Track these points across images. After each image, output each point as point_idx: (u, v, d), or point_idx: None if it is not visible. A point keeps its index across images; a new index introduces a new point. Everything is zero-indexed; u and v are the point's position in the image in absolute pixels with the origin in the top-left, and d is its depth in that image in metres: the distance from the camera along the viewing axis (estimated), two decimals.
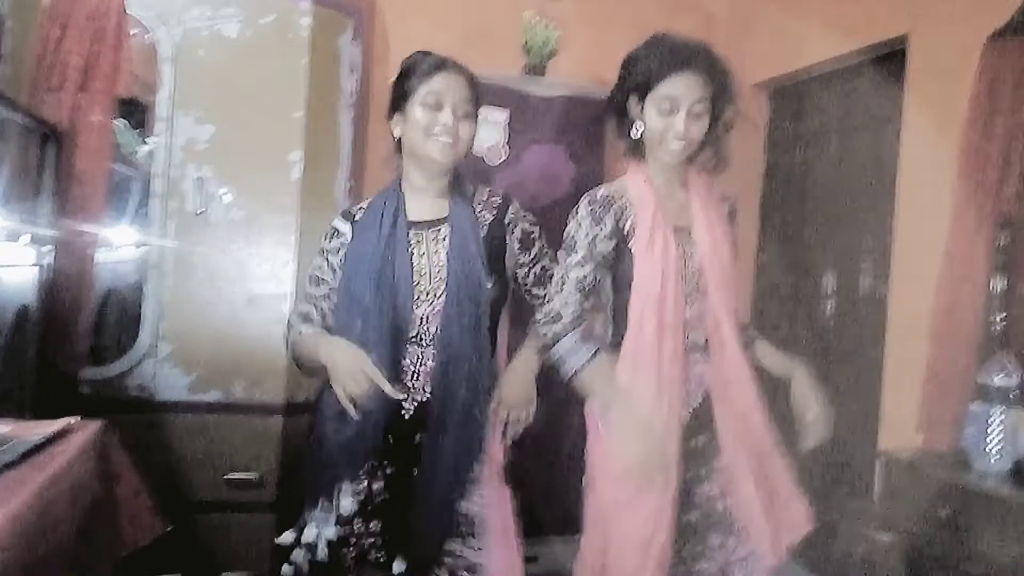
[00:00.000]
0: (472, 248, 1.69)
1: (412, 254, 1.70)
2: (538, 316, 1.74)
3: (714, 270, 1.72)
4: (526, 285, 1.85)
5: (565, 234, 1.73)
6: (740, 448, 1.72)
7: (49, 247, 2.46)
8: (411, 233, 1.72)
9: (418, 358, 1.68)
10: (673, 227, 1.72)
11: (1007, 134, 2.34)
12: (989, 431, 2.21)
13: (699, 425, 1.74)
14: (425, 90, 1.67)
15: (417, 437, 1.68)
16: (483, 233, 1.74)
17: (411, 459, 1.67)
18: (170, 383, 2.66)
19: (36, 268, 2.41)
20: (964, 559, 2.11)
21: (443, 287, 1.67)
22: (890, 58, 2.98)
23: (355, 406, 1.58)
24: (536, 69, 3.29)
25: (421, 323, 1.68)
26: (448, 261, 1.68)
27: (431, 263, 1.69)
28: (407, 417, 1.68)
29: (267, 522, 2.65)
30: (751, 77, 3.74)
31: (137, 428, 2.53)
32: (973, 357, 2.38)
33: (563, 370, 1.69)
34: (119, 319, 2.83)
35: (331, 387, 1.62)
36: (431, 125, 1.67)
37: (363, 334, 1.64)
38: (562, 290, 1.70)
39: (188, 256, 2.68)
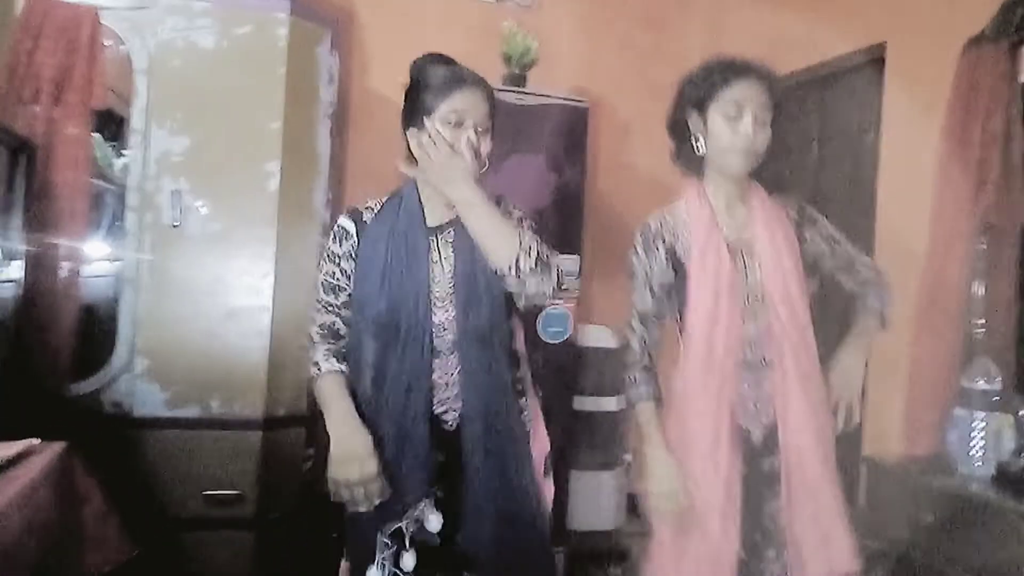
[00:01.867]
0: (477, 252, 1.64)
1: (428, 254, 1.67)
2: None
3: (777, 285, 1.71)
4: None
5: (628, 265, 1.79)
6: (797, 469, 1.69)
7: (22, 262, 2.42)
8: (428, 235, 1.68)
9: (444, 368, 1.64)
10: (732, 243, 1.73)
11: (984, 140, 2.35)
12: (972, 436, 2.21)
13: (769, 446, 1.71)
14: (447, 108, 1.62)
15: (462, 451, 1.63)
16: None
17: (460, 474, 1.63)
18: (147, 399, 2.62)
19: (9, 284, 2.36)
20: (949, 564, 2.10)
21: (452, 294, 1.65)
22: (869, 66, 3.00)
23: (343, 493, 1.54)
24: (516, 79, 3.28)
25: (439, 331, 1.64)
26: (455, 263, 1.66)
27: (443, 268, 1.67)
28: (450, 429, 1.64)
29: (247, 539, 2.62)
30: None
31: (113, 445, 2.49)
32: (955, 362, 2.39)
33: (628, 398, 1.77)
34: (94, 334, 2.78)
35: None
36: (454, 144, 1.62)
37: (383, 344, 1.62)
38: (630, 322, 1.77)
39: (164, 270, 2.65)
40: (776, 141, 1.75)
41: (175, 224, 2.65)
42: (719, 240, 1.71)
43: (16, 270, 2.40)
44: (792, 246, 1.76)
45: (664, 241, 1.75)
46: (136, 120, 2.67)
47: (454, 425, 1.64)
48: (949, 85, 2.45)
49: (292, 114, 2.77)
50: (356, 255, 1.68)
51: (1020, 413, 2.21)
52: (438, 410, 1.64)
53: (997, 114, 2.34)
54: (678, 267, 1.75)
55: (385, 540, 1.58)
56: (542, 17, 3.68)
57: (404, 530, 1.58)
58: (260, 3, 2.78)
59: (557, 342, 3.14)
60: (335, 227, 1.73)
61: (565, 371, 3.18)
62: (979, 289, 2.42)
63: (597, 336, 3.31)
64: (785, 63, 3.37)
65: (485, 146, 1.68)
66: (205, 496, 2.60)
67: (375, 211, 1.73)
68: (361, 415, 1.62)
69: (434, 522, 1.59)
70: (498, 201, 1.77)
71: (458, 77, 1.66)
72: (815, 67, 3.24)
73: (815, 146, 3.40)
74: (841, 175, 3.23)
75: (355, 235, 1.69)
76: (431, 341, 1.62)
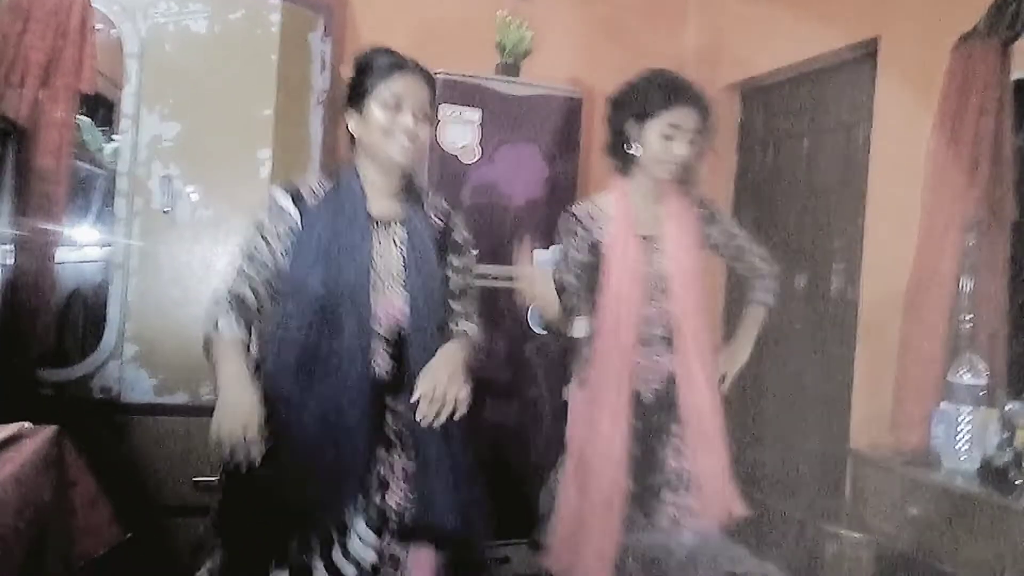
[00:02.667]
0: (428, 247, 1.72)
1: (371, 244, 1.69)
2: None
3: (678, 274, 2.02)
4: (448, 293, 1.82)
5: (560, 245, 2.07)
6: (693, 425, 2.04)
7: (9, 246, 2.40)
8: (371, 225, 1.70)
9: (381, 357, 1.67)
10: (643, 236, 2.03)
11: (975, 136, 2.36)
12: (958, 430, 2.22)
13: (659, 405, 2.06)
14: (385, 90, 1.65)
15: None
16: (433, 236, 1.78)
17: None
18: (136, 385, 2.61)
19: None
20: (933, 557, 2.12)
21: (392, 284, 1.68)
22: (861, 60, 3.00)
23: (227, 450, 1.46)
24: (510, 69, 3.28)
25: (376, 321, 1.66)
26: (407, 259, 1.69)
27: (383, 259, 1.69)
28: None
29: None
30: (723, 78, 3.75)
31: (102, 431, 2.48)
32: (942, 357, 2.40)
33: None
34: (83, 320, 2.77)
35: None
36: (390, 126, 1.65)
37: (321, 328, 1.61)
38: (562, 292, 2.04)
39: (154, 256, 2.63)
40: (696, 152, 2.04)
41: (166, 210, 2.63)
42: (632, 234, 2.01)
43: (5, 255, 2.38)
44: (696, 240, 2.08)
45: (585, 228, 2.04)
46: (127, 105, 2.65)
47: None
48: (941, 81, 2.45)
49: (285, 101, 2.75)
50: (294, 238, 1.66)
51: (1006, 408, 2.22)
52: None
53: (989, 111, 2.35)
54: (595, 253, 2.03)
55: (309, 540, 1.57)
56: (536, 7, 3.67)
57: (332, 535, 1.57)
58: None
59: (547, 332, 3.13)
60: (272, 202, 1.70)
61: (555, 363, 3.18)
62: (967, 284, 2.44)
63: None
64: (778, 56, 3.38)
65: (424, 132, 1.70)
66: (195, 483, 2.59)
67: (316, 195, 1.71)
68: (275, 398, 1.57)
69: (359, 539, 1.58)
70: (450, 213, 1.85)
71: (397, 61, 1.68)
72: (807, 61, 3.24)
73: (806, 140, 3.40)
74: (832, 169, 3.24)
75: (294, 217, 1.67)
76: (370, 330, 1.63)
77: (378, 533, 1.63)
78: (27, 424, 1.56)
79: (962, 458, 2.22)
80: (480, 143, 3.07)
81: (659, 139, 1.97)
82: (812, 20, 3.13)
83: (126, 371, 2.60)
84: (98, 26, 2.64)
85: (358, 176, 1.72)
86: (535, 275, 2.06)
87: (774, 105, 3.63)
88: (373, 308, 1.64)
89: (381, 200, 1.72)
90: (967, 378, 2.24)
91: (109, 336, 2.60)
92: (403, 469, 1.67)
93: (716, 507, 2.03)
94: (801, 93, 3.44)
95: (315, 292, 1.61)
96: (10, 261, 2.41)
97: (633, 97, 2.01)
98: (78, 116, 2.68)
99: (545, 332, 1.99)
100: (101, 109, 3.05)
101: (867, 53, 2.94)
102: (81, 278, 2.83)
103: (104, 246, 2.81)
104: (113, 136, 2.93)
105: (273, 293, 1.67)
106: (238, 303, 1.64)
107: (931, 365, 2.41)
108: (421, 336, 1.67)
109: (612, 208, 2.05)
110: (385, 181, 1.73)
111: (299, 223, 1.66)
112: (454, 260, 1.82)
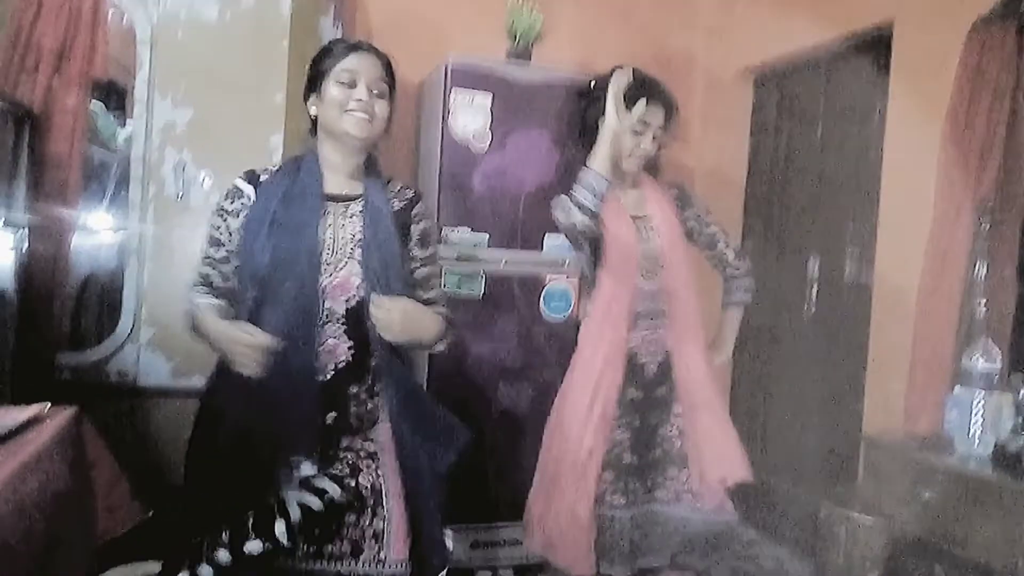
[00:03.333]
0: (386, 223, 1.74)
1: (323, 221, 1.72)
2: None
3: (670, 250, 2.13)
4: (413, 282, 1.84)
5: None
6: (691, 399, 2.12)
7: (24, 231, 2.42)
8: (324, 200, 1.74)
9: (331, 332, 1.69)
10: (632, 216, 2.15)
11: (989, 121, 2.35)
12: (972, 415, 2.22)
13: (661, 378, 2.14)
14: (339, 68, 1.72)
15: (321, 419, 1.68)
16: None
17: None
18: (152, 369, 2.63)
19: (12, 252, 2.36)
20: (946, 541, 2.13)
21: (347, 261, 1.70)
22: (875, 45, 2.98)
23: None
24: (521, 54, 3.27)
25: (321, 294, 1.68)
26: (364, 234, 1.72)
27: (337, 236, 1.72)
28: (327, 379, 1.67)
29: None
30: (736, 63, 3.74)
31: (118, 414, 2.51)
32: (956, 342, 2.40)
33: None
34: (99, 304, 2.79)
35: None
36: (346, 101, 1.71)
37: (268, 302, 1.64)
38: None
39: (168, 241, 2.64)
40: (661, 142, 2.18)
41: (179, 195, 2.64)
42: (625, 214, 2.13)
43: (19, 240, 2.40)
44: (677, 220, 2.20)
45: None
46: (139, 91, 2.66)
47: (327, 379, 1.67)
48: (955, 66, 2.43)
49: (296, 86, 2.75)
50: (248, 214, 1.71)
51: (1020, 393, 2.22)
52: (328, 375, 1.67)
53: (1003, 96, 2.34)
54: (595, 229, 2.09)
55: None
56: None
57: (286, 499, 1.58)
58: None
59: (559, 318, 3.14)
60: (231, 186, 1.77)
61: (568, 348, 3.19)
62: (981, 269, 2.43)
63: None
64: (791, 40, 3.36)
65: (382, 108, 1.75)
66: None
67: (272, 173, 1.78)
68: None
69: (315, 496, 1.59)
70: (417, 198, 1.87)
71: (352, 44, 1.77)
72: (820, 46, 3.22)
73: (819, 125, 3.39)
74: (846, 154, 3.23)
75: (250, 195, 1.74)
76: (319, 304, 1.66)
77: (363, 512, 1.67)
78: (47, 405, 1.58)
79: (976, 443, 2.22)
80: (491, 128, 3.06)
81: (629, 134, 2.09)
82: (826, 4, 3.11)
83: (142, 355, 2.62)
84: (110, 12, 2.64)
85: (316, 157, 1.78)
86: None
87: (787, 90, 3.61)
88: (325, 282, 1.67)
89: (339, 179, 1.77)
90: (981, 363, 2.23)
91: (125, 320, 2.62)
92: (369, 453, 1.72)
93: (717, 473, 2.08)
94: (814, 78, 3.41)
95: (262, 263, 1.65)
96: (25, 246, 2.42)
97: (604, 94, 2.07)
98: (91, 102, 2.69)
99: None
100: (114, 95, 3.06)
101: (881, 37, 2.92)
102: (96, 263, 2.85)
103: (118, 231, 2.82)
104: (126, 122, 2.94)
105: (233, 271, 1.74)
106: (206, 284, 1.74)
107: (945, 350, 2.41)
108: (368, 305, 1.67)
109: None
110: (344, 160, 1.77)
111: (252, 199, 1.73)
112: (418, 251, 1.85)
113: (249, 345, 1.52)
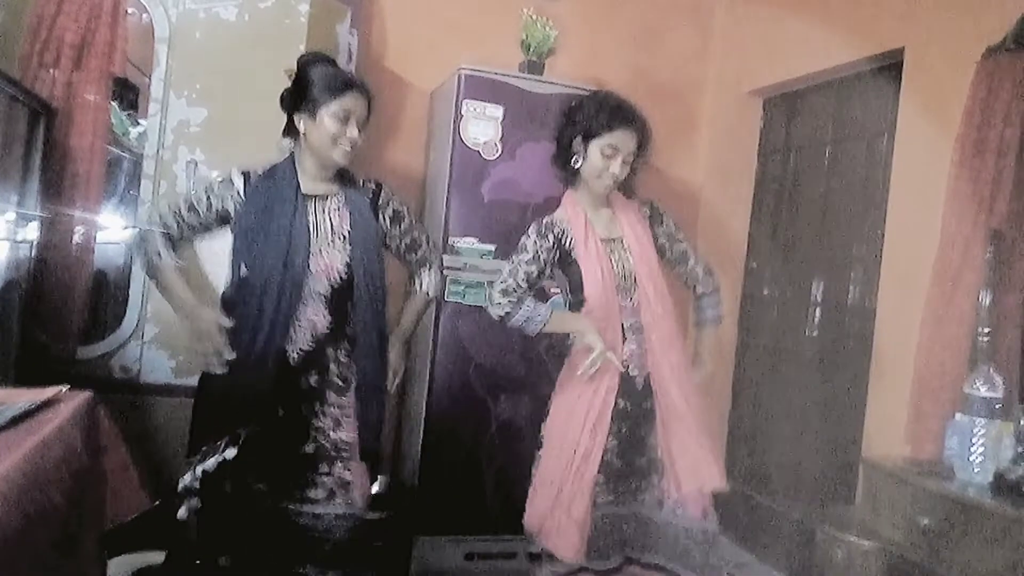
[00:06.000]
0: (366, 214, 2.05)
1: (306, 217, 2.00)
2: (490, 295, 2.18)
3: (643, 269, 2.19)
4: (400, 252, 2.19)
5: (519, 243, 2.20)
6: (667, 410, 2.16)
7: (36, 223, 2.43)
8: (304, 200, 2.01)
9: (311, 313, 1.97)
10: (603, 238, 2.20)
11: (998, 149, 2.36)
12: (973, 442, 2.22)
13: (648, 391, 2.19)
14: (337, 106, 1.95)
15: (304, 382, 1.98)
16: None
17: (299, 401, 1.97)
18: (155, 366, 2.64)
19: (24, 245, 2.38)
20: (944, 567, 2.12)
21: (331, 248, 1.98)
22: (885, 70, 3.00)
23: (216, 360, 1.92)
24: (534, 66, 3.29)
25: (307, 275, 1.96)
26: (351, 221, 2.01)
27: (319, 227, 2.00)
28: (292, 364, 1.96)
29: None
30: (745, 85, 3.76)
31: (121, 409, 2.50)
32: (959, 369, 2.40)
33: (531, 328, 2.16)
34: (106, 300, 2.80)
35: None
36: (339, 136, 1.96)
37: (263, 285, 1.91)
38: (512, 278, 2.15)
39: None
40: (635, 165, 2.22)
41: (224, 176, 2.66)
42: (594, 236, 2.19)
43: (32, 232, 2.41)
44: (649, 238, 2.25)
45: (554, 233, 2.18)
46: (155, 89, 2.68)
47: (293, 363, 1.96)
48: (965, 93, 2.45)
49: None
50: (237, 208, 1.99)
51: (1021, 422, 2.22)
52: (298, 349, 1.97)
53: (1013, 123, 2.35)
54: (565, 255, 2.19)
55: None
56: (562, 6, 3.69)
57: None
58: None
59: None
60: (226, 175, 2.04)
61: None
62: (986, 297, 2.44)
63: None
64: (801, 64, 3.38)
65: (361, 138, 2.02)
66: None
67: (259, 176, 2.03)
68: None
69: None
70: (380, 188, 2.13)
71: (347, 81, 2.00)
72: (831, 70, 3.24)
73: (828, 149, 3.40)
74: (853, 179, 3.24)
75: (239, 189, 2.01)
76: (306, 283, 1.95)
77: (338, 462, 1.98)
78: (65, 387, 1.64)
79: (976, 470, 2.22)
80: (502, 139, 3.09)
81: (600, 157, 2.15)
82: (837, 29, 3.14)
83: (145, 351, 2.64)
84: (129, 10, 2.67)
85: (294, 162, 2.04)
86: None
87: (796, 113, 3.64)
88: (311, 268, 1.96)
89: (315, 182, 2.04)
90: (983, 390, 2.24)
91: (131, 317, 2.64)
92: (350, 408, 2.01)
93: (693, 482, 2.12)
94: (824, 102, 3.44)
95: (254, 253, 1.93)
96: (35, 237, 2.44)
97: (582, 116, 2.18)
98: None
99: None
100: (128, 93, 3.09)
101: (892, 64, 2.94)
102: (104, 259, 2.86)
103: (128, 228, 2.84)
104: (138, 120, 2.96)
105: (191, 236, 2.03)
106: (167, 235, 1.99)
107: (947, 376, 2.41)
108: (364, 282, 1.99)
109: (570, 218, 2.22)
110: (321, 171, 2.04)
111: (242, 194, 2.00)
112: (394, 228, 2.14)
113: (210, 324, 1.92)
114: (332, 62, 2.05)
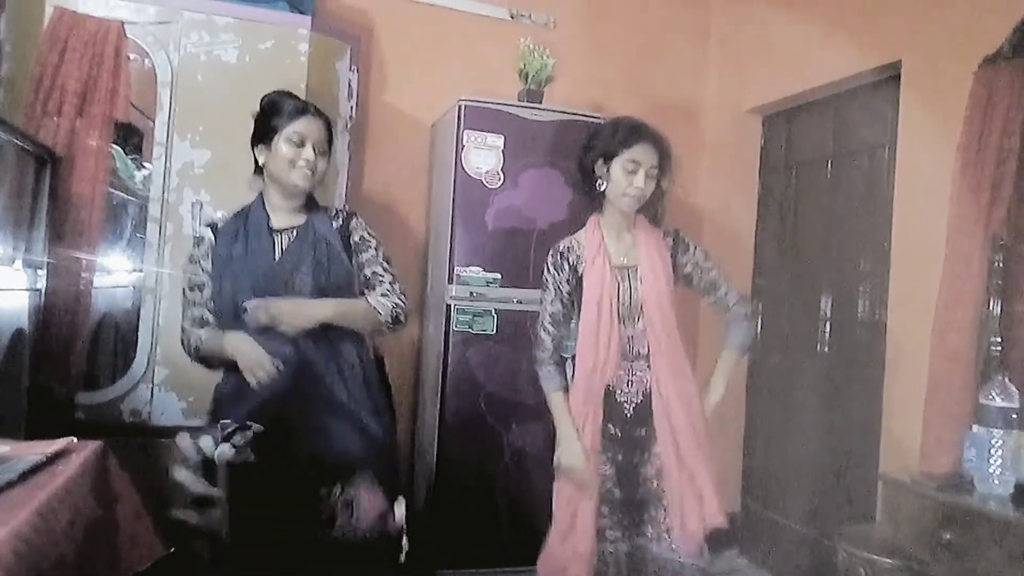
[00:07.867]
0: (324, 245, 2.04)
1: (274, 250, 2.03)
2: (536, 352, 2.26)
3: (651, 298, 2.20)
4: (361, 282, 2.14)
5: (542, 279, 2.27)
6: (669, 440, 2.16)
7: (44, 271, 2.45)
8: (272, 234, 2.04)
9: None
10: (619, 265, 2.23)
11: (998, 158, 2.35)
12: (991, 453, 2.20)
13: (640, 419, 2.20)
14: (291, 129, 1.99)
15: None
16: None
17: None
18: (165, 408, 2.64)
19: (31, 292, 2.39)
20: None
21: (303, 276, 1.99)
22: (884, 83, 3.01)
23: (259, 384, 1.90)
24: (533, 95, 3.31)
25: None
26: (318, 251, 2.02)
27: (287, 256, 2.01)
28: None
29: None
30: (745, 102, 3.77)
31: (132, 453, 2.50)
32: (973, 380, 2.38)
33: (543, 387, 2.24)
34: (115, 344, 2.81)
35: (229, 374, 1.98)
36: (295, 159, 1.99)
37: (234, 315, 1.92)
38: (542, 331, 2.24)
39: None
40: (657, 188, 2.25)
41: (196, 235, 2.67)
42: (604, 262, 2.22)
43: (40, 281, 2.42)
44: (667, 267, 2.25)
45: (569, 261, 2.24)
46: (159, 132, 2.71)
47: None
48: (965, 103, 2.45)
49: None
50: (211, 254, 2.03)
51: None
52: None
53: (1013, 131, 2.35)
54: (577, 280, 2.24)
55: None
56: (558, 35, 3.72)
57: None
58: (282, 19, 2.83)
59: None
60: (195, 237, 2.10)
61: None
62: (995, 306, 2.42)
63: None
64: (800, 79, 3.40)
65: (322, 164, 2.05)
66: None
67: (226, 219, 2.08)
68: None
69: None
70: (350, 217, 2.14)
71: (303, 107, 2.04)
72: (829, 84, 3.25)
73: (829, 163, 3.41)
74: (856, 192, 3.24)
75: (210, 240, 2.05)
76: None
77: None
78: (74, 439, 1.63)
79: (996, 482, 2.19)
80: (503, 168, 3.10)
81: (622, 173, 2.18)
82: (834, 43, 3.15)
83: (156, 394, 2.64)
84: (132, 56, 2.70)
85: (263, 200, 2.08)
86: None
87: (796, 128, 3.64)
88: (282, 295, 1.95)
89: (284, 216, 2.07)
90: (999, 401, 2.21)
91: (140, 360, 2.64)
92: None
93: (696, 520, 2.13)
94: (823, 116, 3.44)
95: (228, 288, 1.97)
96: (42, 285, 2.45)
97: (600, 140, 2.24)
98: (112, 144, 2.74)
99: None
100: (133, 137, 3.11)
101: (890, 76, 2.95)
102: (112, 303, 2.87)
103: (135, 271, 2.85)
104: (143, 164, 2.99)
105: (212, 306, 2.03)
106: (200, 324, 2.03)
107: (961, 388, 2.39)
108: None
109: (587, 240, 2.27)
110: (287, 202, 2.06)
111: (213, 241, 2.05)
112: (357, 257, 2.12)
113: (260, 356, 1.89)
114: (289, 94, 2.09)
